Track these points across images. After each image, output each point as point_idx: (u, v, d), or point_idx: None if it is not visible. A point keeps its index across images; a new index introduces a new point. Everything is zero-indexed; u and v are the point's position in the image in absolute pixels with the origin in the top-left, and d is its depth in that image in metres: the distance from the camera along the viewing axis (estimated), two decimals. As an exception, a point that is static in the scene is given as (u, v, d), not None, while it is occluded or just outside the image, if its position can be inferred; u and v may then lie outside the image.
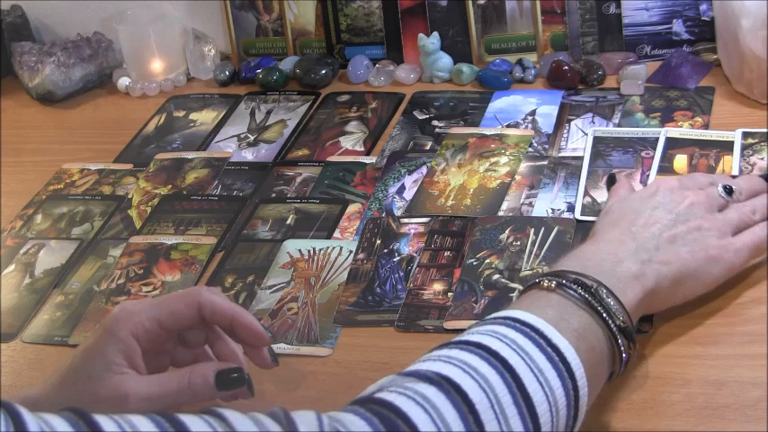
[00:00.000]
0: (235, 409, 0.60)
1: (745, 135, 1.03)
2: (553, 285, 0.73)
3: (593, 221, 0.95)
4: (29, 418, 0.52)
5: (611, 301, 0.72)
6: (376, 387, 0.65)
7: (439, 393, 0.62)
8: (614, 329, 0.71)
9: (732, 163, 1.00)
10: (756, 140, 1.02)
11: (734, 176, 0.92)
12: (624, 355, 0.72)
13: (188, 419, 0.57)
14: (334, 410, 0.62)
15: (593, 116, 1.14)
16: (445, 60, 1.29)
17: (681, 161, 1.02)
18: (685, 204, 0.83)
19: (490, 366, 0.65)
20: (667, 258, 0.78)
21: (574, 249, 0.81)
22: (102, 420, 0.55)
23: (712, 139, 1.04)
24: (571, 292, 0.72)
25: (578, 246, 0.82)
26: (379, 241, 1.00)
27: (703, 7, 1.21)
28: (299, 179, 1.13)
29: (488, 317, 0.72)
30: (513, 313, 0.70)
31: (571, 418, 0.67)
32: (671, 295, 0.79)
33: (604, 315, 0.71)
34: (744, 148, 1.01)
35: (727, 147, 1.03)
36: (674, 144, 1.05)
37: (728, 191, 0.86)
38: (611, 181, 0.94)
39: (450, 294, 0.91)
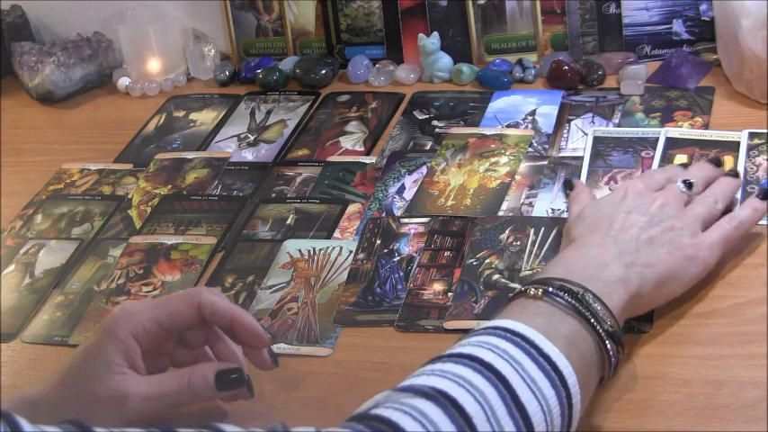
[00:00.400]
0: (234, 424, 0.60)
1: (752, 135, 1.03)
2: (540, 293, 0.73)
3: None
4: (29, 429, 0.52)
5: (597, 306, 0.72)
6: (372, 403, 0.65)
7: (436, 408, 0.62)
8: (602, 334, 0.72)
9: (734, 163, 1.00)
10: (762, 141, 1.02)
11: (684, 165, 0.94)
12: (613, 359, 0.72)
13: None
14: (333, 427, 0.61)
15: (593, 116, 1.14)
16: (445, 60, 1.29)
17: (681, 161, 1.02)
18: (656, 206, 0.84)
19: (484, 379, 0.65)
20: (649, 261, 0.78)
21: (557, 255, 0.81)
22: None
23: (712, 139, 1.04)
24: (558, 299, 0.72)
25: (562, 252, 0.82)
26: (379, 241, 1.00)
27: (703, 7, 1.21)
28: (299, 179, 1.13)
29: (478, 327, 0.72)
30: (504, 323, 0.70)
31: (565, 426, 0.67)
32: (654, 297, 0.80)
33: (592, 320, 0.72)
34: (750, 148, 1.01)
35: (727, 146, 1.02)
36: (674, 144, 1.04)
37: (689, 185, 0.88)
38: (569, 186, 0.94)
39: (450, 294, 0.91)
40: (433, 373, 0.66)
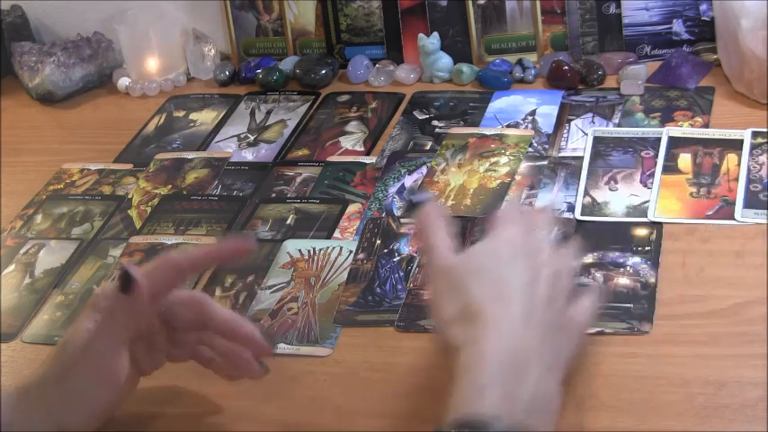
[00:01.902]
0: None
1: (755, 134, 1.03)
2: None
3: (593, 221, 0.96)
4: None
5: None
6: None
7: None
8: None
9: (737, 161, 1.00)
10: (765, 140, 1.02)
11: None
12: None
13: None
14: None
15: (593, 116, 1.14)
16: (445, 60, 1.29)
17: (685, 160, 1.02)
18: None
19: None
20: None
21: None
22: None
23: (715, 137, 1.04)
24: None
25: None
26: (379, 241, 1.00)
27: (703, 7, 1.21)
28: (299, 179, 1.13)
29: None
30: None
31: None
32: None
33: None
34: (753, 147, 1.01)
35: (730, 145, 1.02)
36: (676, 143, 1.04)
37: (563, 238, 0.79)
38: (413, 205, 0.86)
39: (450, 294, 0.91)
40: None
